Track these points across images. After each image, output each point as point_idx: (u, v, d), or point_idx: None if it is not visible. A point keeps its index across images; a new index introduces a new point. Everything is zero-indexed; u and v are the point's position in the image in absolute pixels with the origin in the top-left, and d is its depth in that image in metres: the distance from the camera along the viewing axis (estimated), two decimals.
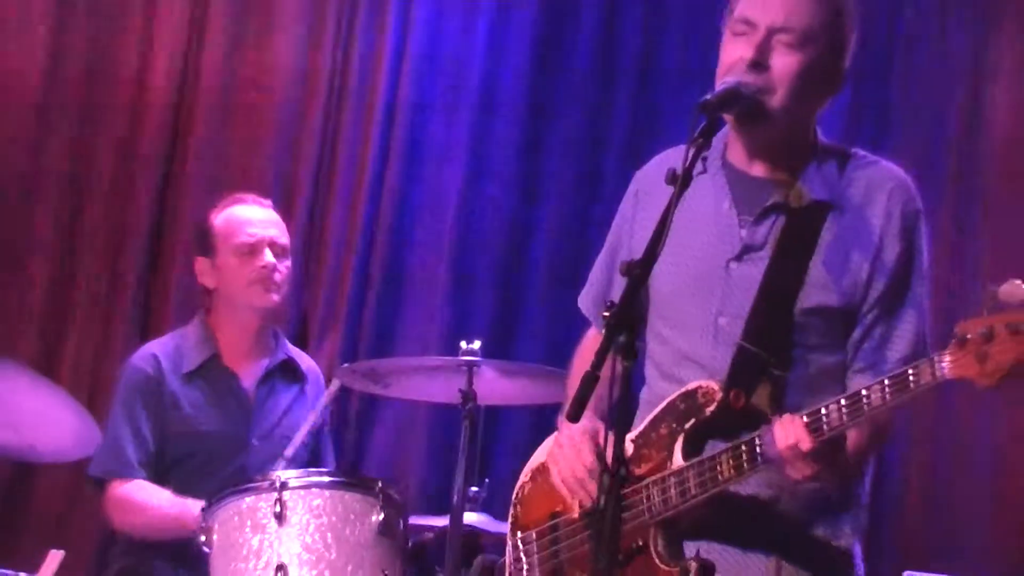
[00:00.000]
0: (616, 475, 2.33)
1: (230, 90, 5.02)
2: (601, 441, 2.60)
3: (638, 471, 2.71)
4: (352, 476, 3.70)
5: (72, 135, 4.99)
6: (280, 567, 3.25)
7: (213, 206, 4.13)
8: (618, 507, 2.37)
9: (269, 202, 4.16)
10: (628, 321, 2.39)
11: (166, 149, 4.98)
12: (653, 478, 2.65)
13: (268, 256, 3.98)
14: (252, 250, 3.98)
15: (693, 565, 2.50)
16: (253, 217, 4.05)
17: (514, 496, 3.02)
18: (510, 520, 3.02)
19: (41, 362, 4.69)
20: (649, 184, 2.89)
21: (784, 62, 2.68)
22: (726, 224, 2.75)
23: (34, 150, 4.97)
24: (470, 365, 3.69)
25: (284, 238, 4.07)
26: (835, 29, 2.74)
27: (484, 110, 4.99)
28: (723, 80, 2.68)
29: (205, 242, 4.05)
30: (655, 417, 2.71)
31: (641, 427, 2.75)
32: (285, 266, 4.04)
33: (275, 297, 4.02)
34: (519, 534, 2.96)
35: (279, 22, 5.02)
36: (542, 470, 2.94)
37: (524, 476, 3.02)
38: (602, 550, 2.32)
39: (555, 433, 2.94)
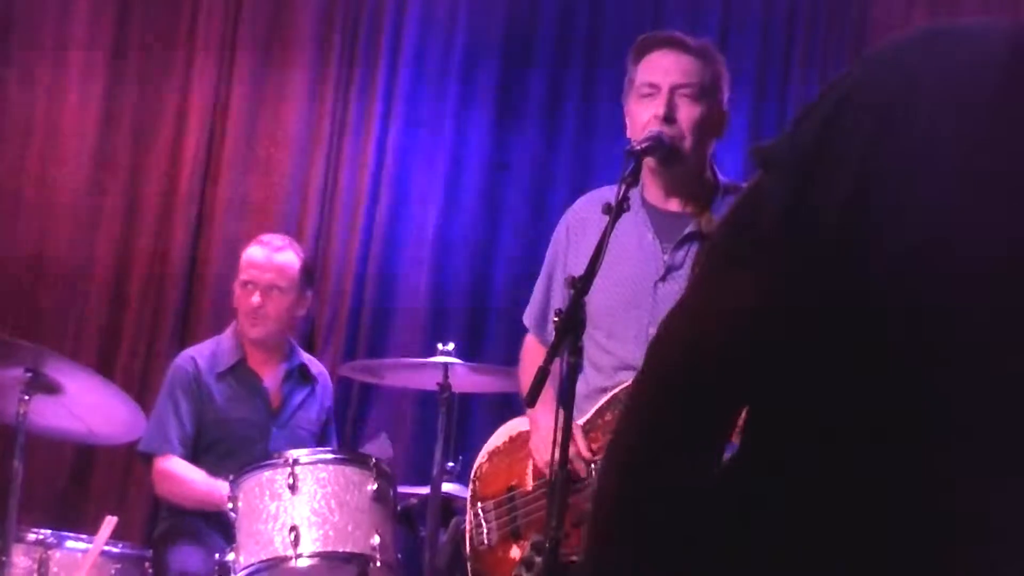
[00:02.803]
0: (565, 448, 2.30)
1: (250, 146, 4.97)
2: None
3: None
4: (351, 453, 3.66)
5: (125, 181, 4.94)
6: (293, 528, 3.20)
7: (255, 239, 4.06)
8: (567, 473, 2.34)
9: (285, 243, 4.00)
10: (573, 324, 2.36)
11: (200, 194, 4.93)
12: (599, 456, 2.61)
13: (255, 297, 3.87)
14: (248, 288, 3.90)
15: None
16: (256, 259, 3.92)
17: (472, 474, 2.99)
18: (469, 493, 2.98)
19: (100, 365, 4.62)
20: (579, 219, 2.87)
21: (688, 112, 2.67)
22: (651, 252, 2.72)
23: (96, 194, 4.91)
24: (446, 363, 3.66)
25: (279, 280, 3.90)
26: (717, 83, 2.75)
27: (455, 162, 4.96)
28: (646, 131, 2.66)
29: (237, 269, 4.01)
30: (600, 407, 2.68)
31: (588, 415, 2.71)
32: (281, 302, 3.90)
33: (255, 331, 3.89)
34: (479, 504, 2.91)
35: (288, 94, 4.98)
36: (497, 452, 2.91)
37: (481, 458, 2.99)
38: (554, 503, 2.28)
39: (508, 422, 2.92)
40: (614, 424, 2.54)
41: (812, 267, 1.00)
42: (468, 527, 2.96)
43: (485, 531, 2.88)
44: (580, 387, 2.71)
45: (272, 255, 3.94)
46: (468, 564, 2.97)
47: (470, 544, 2.95)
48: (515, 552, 2.80)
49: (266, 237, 4.04)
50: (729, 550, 1.04)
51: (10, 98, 4.97)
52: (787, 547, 1.01)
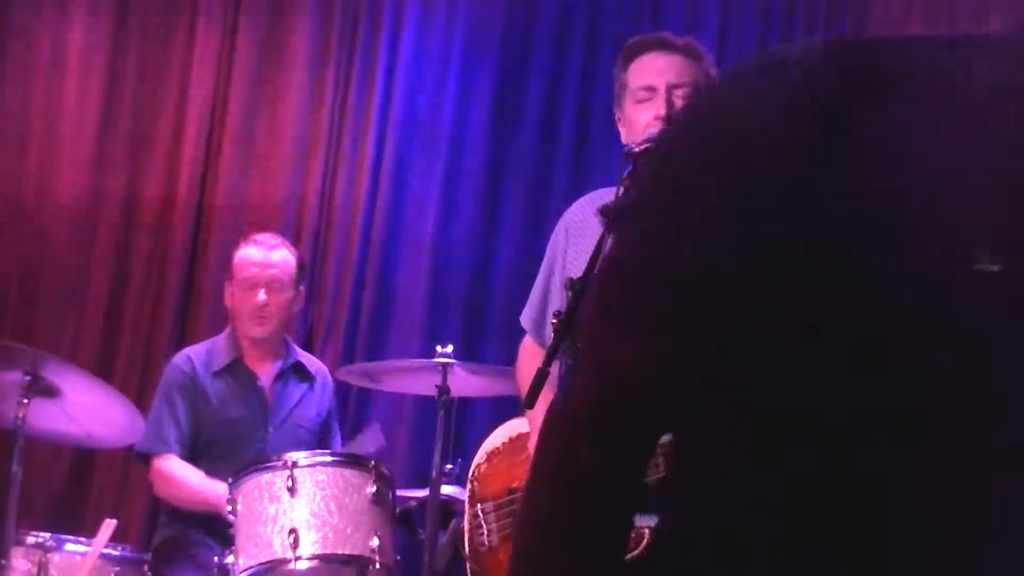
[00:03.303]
0: None
1: (248, 147, 4.97)
2: None
3: None
4: (350, 455, 3.65)
5: (125, 183, 4.94)
6: (292, 530, 3.20)
7: (243, 238, 4.05)
8: None
9: (279, 241, 4.01)
10: (572, 326, 2.35)
11: (198, 197, 4.93)
12: None
13: (260, 295, 3.87)
14: (250, 286, 3.89)
15: None
16: (256, 258, 3.91)
17: (471, 474, 2.97)
18: (468, 494, 2.97)
19: (98, 368, 4.61)
20: (578, 220, 2.86)
21: None
22: None
23: (94, 196, 4.92)
24: (444, 366, 3.64)
25: (281, 275, 3.90)
26: (709, 80, 2.75)
27: (452, 164, 4.96)
28: (646, 133, 2.65)
29: (229, 270, 3.99)
30: None
31: None
32: (283, 298, 3.91)
33: (261, 329, 3.89)
34: (479, 505, 2.90)
35: (286, 96, 4.99)
36: (496, 453, 2.90)
37: (479, 458, 2.98)
38: None
39: (506, 423, 2.91)
40: None
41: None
42: (466, 527, 2.95)
43: (485, 532, 2.88)
44: None
45: (269, 253, 3.94)
46: (467, 565, 2.97)
47: (469, 545, 2.94)
48: None
49: (258, 236, 4.03)
50: (729, 551, 1.04)
51: (7, 103, 4.98)
52: (787, 548, 1.01)
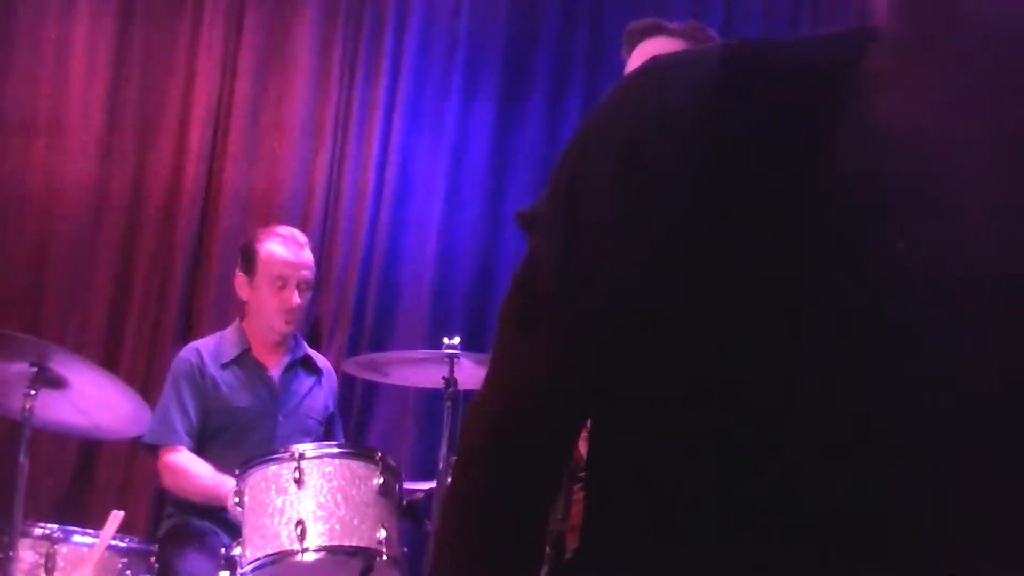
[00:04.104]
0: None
1: (254, 139, 4.97)
2: None
3: None
4: (357, 447, 3.66)
5: (130, 175, 4.94)
6: (299, 522, 3.20)
7: (261, 232, 4.06)
8: (572, 465, 2.34)
9: (304, 239, 4.05)
10: None
11: (204, 188, 4.93)
12: None
13: (295, 297, 3.92)
14: (284, 286, 3.92)
15: None
16: (289, 257, 3.95)
17: None
18: None
19: (105, 359, 4.62)
20: None
21: None
22: None
23: (99, 190, 4.91)
24: (451, 357, 3.65)
25: (310, 274, 4.00)
26: None
27: (458, 155, 4.96)
28: None
29: (249, 263, 3.97)
30: None
31: None
32: (307, 298, 4.00)
33: (290, 328, 3.97)
34: None
35: (292, 88, 4.99)
36: None
37: None
38: (560, 499, 2.28)
39: None
40: None
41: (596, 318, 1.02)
42: None
43: None
44: None
45: (300, 252, 3.98)
46: None
47: None
48: None
49: (284, 232, 4.04)
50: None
51: (13, 95, 4.98)
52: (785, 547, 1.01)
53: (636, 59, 2.71)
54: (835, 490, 0.94)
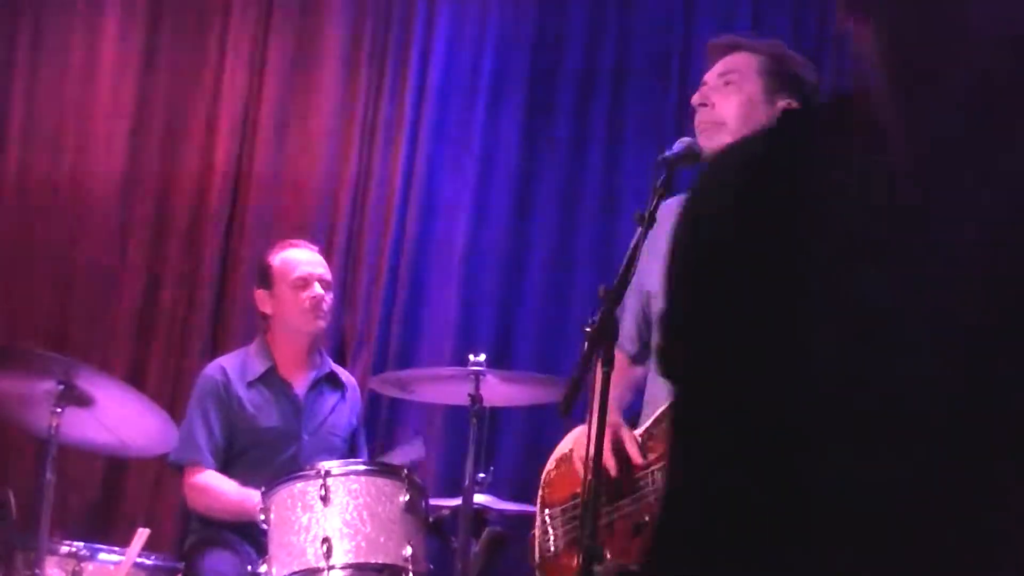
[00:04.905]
0: (598, 458, 2.29)
1: (279, 157, 4.99)
2: (622, 434, 2.62)
3: (645, 460, 2.67)
4: (382, 464, 3.66)
5: (156, 192, 4.98)
6: (325, 540, 3.20)
7: (270, 249, 4.10)
8: (599, 482, 2.33)
9: (316, 247, 4.13)
10: (605, 335, 2.35)
11: (230, 204, 4.95)
12: (658, 465, 2.61)
13: (317, 288, 3.94)
14: (305, 283, 3.94)
15: None
16: (304, 258, 4.01)
17: (542, 480, 2.97)
18: (539, 499, 2.97)
19: (132, 376, 4.64)
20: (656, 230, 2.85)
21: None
22: None
23: (128, 206, 4.95)
24: (477, 374, 3.63)
25: (328, 275, 4.04)
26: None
27: (484, 171, 4.96)
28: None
29: (266, 276, 4.01)
30: (658, 416, 2.67)
31: (647, 424, 2.71)
32: (329, 297, 4.01)
33: (322, 323, 3.99)
34: (547, 511, 2.91)
35: (317, 104, 5.00)
36: (565, 459, 2.89)
37: (550, 464, 2.97)
38: (587, 516, 2.27)
39: (575, 429, 2.90)
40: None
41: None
42: (536, 534, 2.95)
43: (551, 538, 2.88)
44: (645, 394, 2.80)
45: (314, 255, 4.05)
46: (535, 572, 2.96)
47: (539, 551, 2.93)
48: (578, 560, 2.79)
49: (295, 242, 4.10)
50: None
51: (42, 102, 5.01)
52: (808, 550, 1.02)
53: (716, 71, 2.81)
54: (842, 488, 0.95)
